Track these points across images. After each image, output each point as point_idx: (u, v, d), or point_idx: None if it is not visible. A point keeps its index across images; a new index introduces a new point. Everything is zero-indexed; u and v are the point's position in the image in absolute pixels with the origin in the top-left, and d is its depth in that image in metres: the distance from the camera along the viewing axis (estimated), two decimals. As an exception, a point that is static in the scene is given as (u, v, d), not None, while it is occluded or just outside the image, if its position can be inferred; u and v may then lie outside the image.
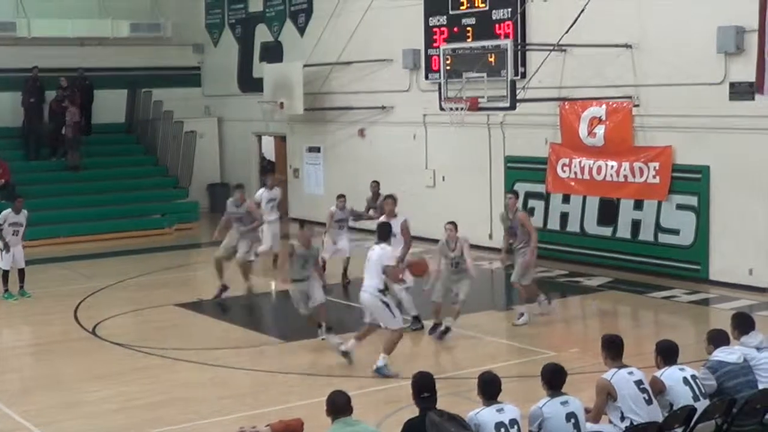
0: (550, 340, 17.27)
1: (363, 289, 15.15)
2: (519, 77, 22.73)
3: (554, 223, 23.80)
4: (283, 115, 31.35)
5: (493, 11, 24.58)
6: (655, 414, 10.06)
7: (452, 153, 26.32)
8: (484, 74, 20.56)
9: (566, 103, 22.96)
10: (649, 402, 10.08)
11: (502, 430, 9.26)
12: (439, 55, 23.12)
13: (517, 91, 20.97)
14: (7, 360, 17.49)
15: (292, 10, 32.19)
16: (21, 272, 21.49)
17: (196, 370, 15.73)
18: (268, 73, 31.44)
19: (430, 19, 26.45)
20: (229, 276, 20.53)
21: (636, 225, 22.19)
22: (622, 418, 10.02)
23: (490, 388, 9.56)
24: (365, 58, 28.69)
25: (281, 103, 30.46)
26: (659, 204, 21.71)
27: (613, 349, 10.53)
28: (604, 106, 22.27)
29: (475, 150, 25.44)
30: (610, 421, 10.13)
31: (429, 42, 26.48)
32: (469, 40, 24.71)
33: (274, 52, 32.86)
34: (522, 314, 17.99)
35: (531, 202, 24.27)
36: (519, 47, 23.40)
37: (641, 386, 10.13)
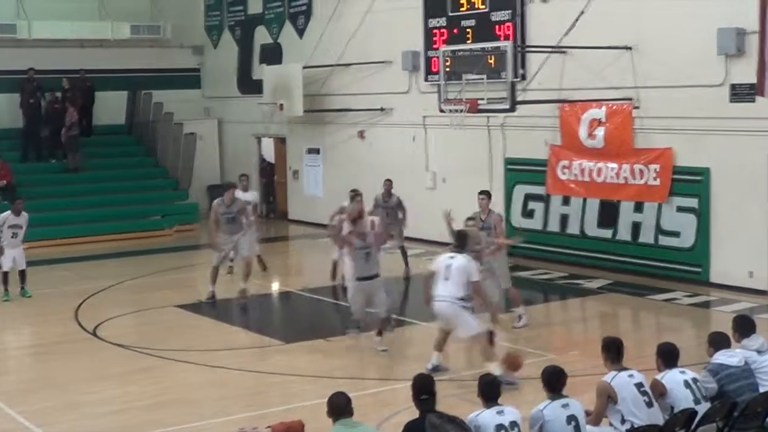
0: (550, 342, 17.29)
1: (439, 299, 14.59)
2: (519, 79, 22.74)
3: (554, 225, 23.80)
4: (283, 117, 31.38)
5: (493, 13, 24.58)
6: (656, 417, 10.08)
7: (452, 155, 26.32)
8: (484, 76, 20.59)
9: (566, 104, 22.96)
10: (649, 405, 10.10)
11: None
12: (438, 57, 23.15)
13: (517, 93, 21.01)
14: (8, 360, 17.55)
15: (292, 12, 32.20)
16: (22, 273, 21.50)
17: (196, 372, 15.73)
18: (268, 75, 31.46)
19: (430, 20, 26.45)
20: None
21: (636, 227, 22.18)
22: (623, 421, 10.04)
23: (490, 390, 9.59)
24: (365, 60, 28.70)
25: (281, 105, 30.47)
26: (659, 206, 21.70)
27: (614, 351, 10.55)
28: (604, 108, 22.27)
29: (475, 152, 25.44)
30: (611, 424, 10.15)
31: (429, 44, 26.49)
32: (469, 41, 24.71)
33: (273, 54, 32.87)
34: (520, 316, 17.96)
35: (531, 204, 24.29)
36: (519, 49, 23.40)
37: (642, 389, 10.15)
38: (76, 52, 33.59)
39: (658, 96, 21.41)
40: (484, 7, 24.83)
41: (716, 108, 20.32)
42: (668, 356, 10.73)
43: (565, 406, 9.64)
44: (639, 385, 10.16)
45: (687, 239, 21.25)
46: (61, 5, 33.24)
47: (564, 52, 22.68)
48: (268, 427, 11.22)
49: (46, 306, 20.90)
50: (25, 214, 21.42)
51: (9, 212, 21.36)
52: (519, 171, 24.71)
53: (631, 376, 10.23)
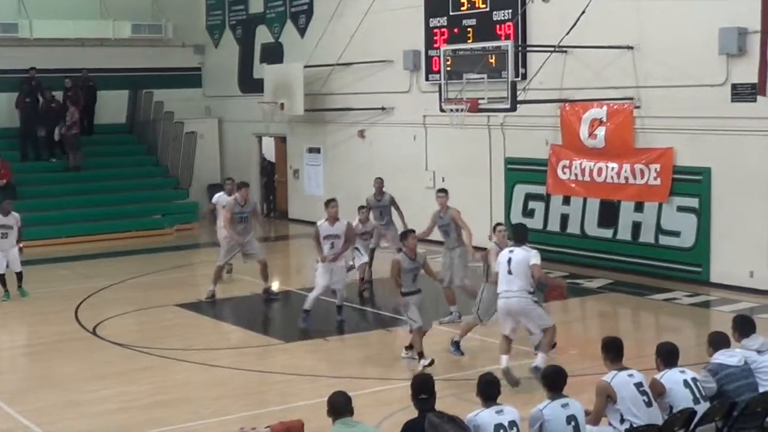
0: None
1: (507, 295, 14.24)
2: (519, 78, 22.71)
3: (554, 225, 23.79)
4: (284, 116, 31.37)
5: (494, 12, 24.58)
6: (655, 416, 10.07)
7: (452, 154, 26.31)
8: (485, 75, 20.56)
9: (567, 104, 22.95)
10: (648, 404, 10.08)
11: (501, 431, 9.27)
12: (439, 56, 23.12)
13: (518, 93, 20.96)
14: (8, 359, 17.56)
15: (293, 12, 32.20)
16: (19, 274, 21.43)
17: (196, 371, 15.73)
18: (269, 74, 31.46)
19: (431, 20, 26.45)
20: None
21: (636, 227, 22.17)
22: (622, 421, 10.03)
23: (489, 389, 9.57)
24: (365, 59, 28.70)
25: (281, 104, 30.46)
26: (660, 206, 21.69)
27: (613, 351, 10.54)
28: (604, 108, 22.26)
29: (476, 151, 25.43)
30: (610, 424, 10.14)
31: (429, 43, 26.49)
32: (470, 41, 24.73)
33: (274, 53, 32.86)
34: (452, 313, 18.22)
35: (531, 204, 24.28)
36: (519, 48, 23.39)
37: (641, 388, 10.13)
38: (77, 51, 33.63)
39: (659, 96, 21.40)
40: (484, 6, 24.83)
41: (717, 108, 20.32)
42: (668, 356, 10.71)
43: (564, 405, 9.63)
44: (638, 385, 10.14)
45: (687, 239, 21.24)
46: (62, 4, 33.28)
47: (565, 52, 22.67)
48: (267, 426, 11.21)
49: (46, 305, 20.90)
50: (15, 215, 21.26)
51: None
52: (519, 170, 24.70)
53: (630, 375, 10.21)
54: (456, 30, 25.61)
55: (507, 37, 23.72)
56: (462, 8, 25.48)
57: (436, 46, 25.68)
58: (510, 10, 24.15)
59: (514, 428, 9.35)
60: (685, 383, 10.39)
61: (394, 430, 9.59)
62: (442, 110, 21.95)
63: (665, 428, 9.91)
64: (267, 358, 16.55)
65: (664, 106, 21.30)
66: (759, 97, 19.08)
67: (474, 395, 9.68)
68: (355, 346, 17.42)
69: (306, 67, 30.06)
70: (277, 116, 31.58)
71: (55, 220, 29.35)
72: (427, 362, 14.91)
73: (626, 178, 22.09)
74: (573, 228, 23.48)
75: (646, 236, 21.98)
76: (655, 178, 21.57)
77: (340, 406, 9.12)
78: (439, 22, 26.21)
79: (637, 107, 21.75)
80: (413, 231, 15.84)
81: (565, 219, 23.57)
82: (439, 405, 9.34)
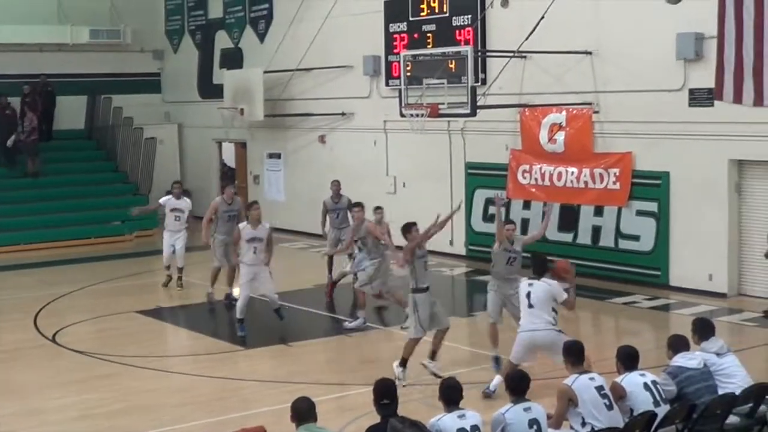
0: (511, 346, 17.27)
1: (532, 329, 13.42)
2: (479, 83, 22.78)
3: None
4: (244, 122, 31.29)
5: (454, 18, 24.63)
6: (616, 419, 10.12)
7: (413, 159, 26.35)
8: (445, 81, 20.59)
9: (526, 109, 23.06)
10: (609, 407, 10.14)
11: (464, 436, 9.29)
12: (399, 62, 23.12)
13: (478, 98, 21.01)
14: (-34, 368, 17.40)
15: (252, 17, 32.14)
16: None
17: (157, 378, 15.68)
18: (228, 80, 31.37)
19: (391, 25, 26.48)
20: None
21: (596, 231, 22.28)
22: (583, 424, 10.07)
23: (451, 394, 9.58)
24: (326, 65, 28.68)
25: (241, 110, 30.40)
26: (619, 210, 21.82)
27: (574, 355, 10.61)
28: (564, 113, 22.38)
29: (436, 156, 25.49)
30: (572, 427, 10.18)
31: (389, 48, 26.51)
32: (430, 46, 24.76)
33: (234, 59, 32.79)
34: (358, 318, 18.36)
35: (492, 209, 24.30)
36: (479, 54, 23.46)
37: (602, 392, 10.19)
38: (35, 56, 33.40)
39: (618, 100, 21.53)
40: (444, 11, 24.88)
41: (675, 112, 20.48)
42: (628, 359, 10.78)
43: (527, 409, 9.66)
44: (599, 388, 10.20)
45: (646, 243, 21.37)
46: (19, 9, 33.01)
47: (524, 57, 22.75)
48: (229, 433, 11.18)
49: (4, 312, 20.76)
50: None
51: None
52: (480, 175, 24.77)
53: (591, 379, 10.27)
54: (416, 35, 25.65)
55: (467, 43, 23.74)
56: (422, 14, 25.53)
57: (395, 51, 25.70)
58: (469, 16, 24.21)
59: (477, 432, 9.37)
60: (646, 386, 10.46)
61: (356, 435, 9.59)
62: (402, 115, 21.97)
63: (626, 431, 9.97)
64: (229, 365, 16.49)
65: (623, 111, 21.43)
66: (716, 102, 19.22)
67: (436, 400, 9.70)
68: (317, 352, 17.41)
69: (266, 72, 30.00)
70: (237, 122, 31.52)
71: (13, 226, 29.13)
72: (404, 374, 14.58)
73: (586, 183, 22.22)
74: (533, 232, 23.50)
75: (606, 240, 22.09)
76: (614, 183, 21.70)
77: (303, 412, 9.11)
78: (398, 27, 26.25)
79: (596, 112, 21.87)
80: (414, 223, 15.09)
81: (525, 223, 23.58)
82: (402, 410, 9.35)
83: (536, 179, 23.19)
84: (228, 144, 34.72)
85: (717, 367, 11.08)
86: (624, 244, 21.79)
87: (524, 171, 23.45)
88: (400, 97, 21.97)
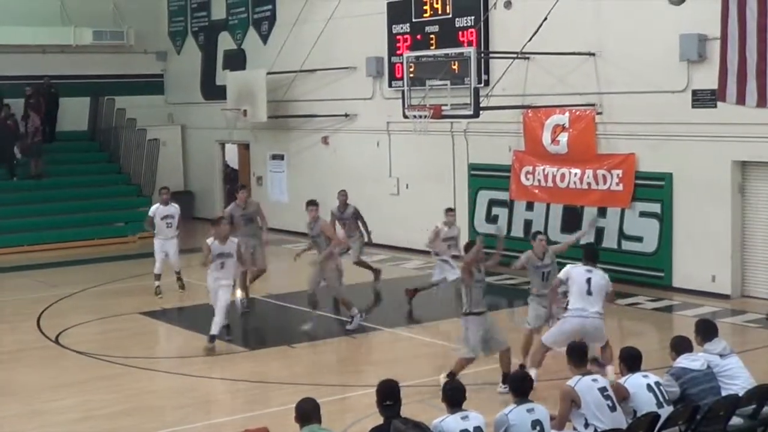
0: (516, 348, 17.27)
1: (587, 314, 13.84)
2: (482, 85, 22.74)
3: (518, 231, 23.79)
4: (247, 123, 31.28)
5: (457, 19, 24.64)
6: (619, 421, 10.12)
7: (416, 161, 26.34)
8: (448, 82, 20.63)
9: (529, 110, 23.04)
10: (612, 409, 10.14)
11: (467, 437, 9.29)
12: (402, 63, 23.15)
13: (481, 99, 21.02)
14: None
15: (256, 18, 32.15)
16: None
17: (160, 379, 15.68)
18: (231, 81, 31.36)
19: (394, 26, 26.48)
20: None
21: (599, 232, 22.25)
22: (586, 425, 10.07)
23: (454, 395, 9.58)
24: (329, 66, 28.67)
25: (244, 111, 30.39)
26: (622, 211, 21.81)
27: (577, 356, 10.60)
28: (567, 114, 22.37)
29: (439, 158, 25.48)
30: (575, 428, 10.19)
31: (392, 50, 26.51)
32: (433, 47, 24.77)
33: (237, 60, 32.81)
34: (353, 317, 18.32)
35: (495, 210, 24.34)
36: (482, 55, 23.43)
37: (605, 393, 10.19)
38: (37, 57, 33.41)
39: (621, 102, 21.52)
40: (447, 13, 24.88)
41: (678, 114, 20.46)
42: (631, 360, 10.79)
43: (530, 410, 9.67)
44: (602, 390, 10.20)
45: (650, 244, 21.36)
46: (22, 10, 33.06)
47: (527, 58, 22.75)
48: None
49: (8, 313, 20.78)
50: None
51: None
52: (482, 177, 24.76)
53: (594, 380, 10.27)
54: (419, 36, 25.65)
55: (470, 44, 23.75)
56: (425, 15, 25.53)
57: (399, 52, 25.71)
58: (473, 17, 24.22)
59: (480, 434, 9.37)
60: (649, 387, 10.46)
61: (359, 436, 9.59)
62: (405, 117, 22.00)
63: (629, 432, 9.98)
64: (232, 366, 16.47)
65: (626, 112, 21.42)
66: (719, 103, 19.23)
67: (440, 401, 9.69)
68: (321, 353, 17.41)
69: (269, 73, 30.00)
70: (240, 123, 31.51)
71: (16, 227, 29.16)
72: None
73: (589, 184, 22.20)
74: (536, 234, 23.51)
75: (609, 241, 22.06)
76: (618, 184, 21.69)
77: (308, 413, 9.10)
78: (402, 28, 26.24)
79: (600, 113, 21.86)
80: (474, 242, 14.70)
81: (528, 225, 23.58)
82: (405, 411, 9.35)
83: (539, 180, 23.18)
84: (231, 145, 34.71)
85: (720, 368, 11.08)
86: (627, 246, 21.76)
87: (527, 172, 23.44)
88: (403, 98, 21.99)
